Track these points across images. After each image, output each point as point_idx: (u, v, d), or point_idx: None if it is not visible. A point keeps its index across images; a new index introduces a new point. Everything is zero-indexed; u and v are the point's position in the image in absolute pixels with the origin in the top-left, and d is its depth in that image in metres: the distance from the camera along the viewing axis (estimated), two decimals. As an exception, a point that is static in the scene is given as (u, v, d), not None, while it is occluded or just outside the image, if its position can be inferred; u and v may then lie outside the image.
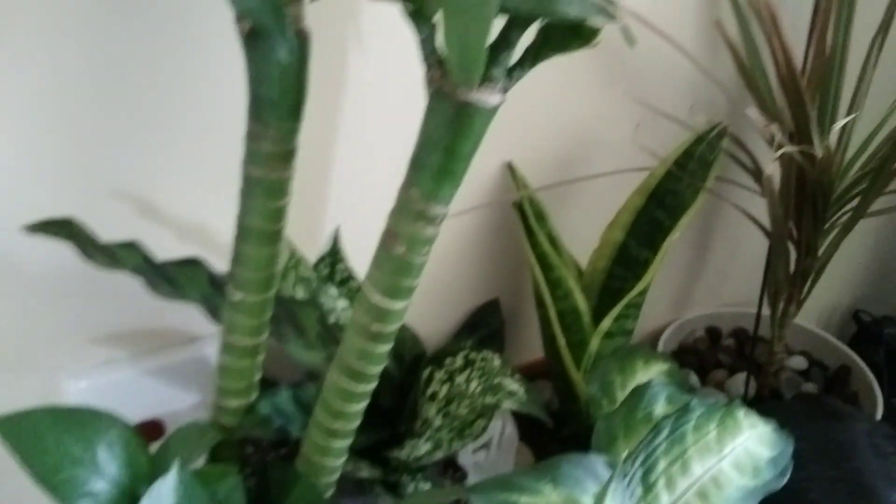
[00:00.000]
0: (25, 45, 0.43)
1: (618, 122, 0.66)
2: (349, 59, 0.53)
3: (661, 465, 0.45)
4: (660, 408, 0.48)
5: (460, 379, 0.56)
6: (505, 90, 0.35)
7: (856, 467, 0.56)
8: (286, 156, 0.38)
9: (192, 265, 0.47)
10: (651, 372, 0.55)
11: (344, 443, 0.43)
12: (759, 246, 0.72)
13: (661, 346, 0.81)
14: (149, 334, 0.56)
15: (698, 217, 0.80)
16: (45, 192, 0.47)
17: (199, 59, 0.48)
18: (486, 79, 0.33)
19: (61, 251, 0.45)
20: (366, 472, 0.52)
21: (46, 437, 0.41)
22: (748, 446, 0.47)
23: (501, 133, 0.63)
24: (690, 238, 0.83)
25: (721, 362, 0.84)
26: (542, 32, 0.34)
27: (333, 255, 0.60)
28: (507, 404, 0.51)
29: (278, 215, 0.40)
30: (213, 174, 0.52)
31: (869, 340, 1.02)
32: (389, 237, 0.37)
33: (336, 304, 0.60)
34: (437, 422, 0.56)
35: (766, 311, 0.75)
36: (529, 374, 0.76)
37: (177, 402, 0.58)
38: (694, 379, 0.80)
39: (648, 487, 0.44)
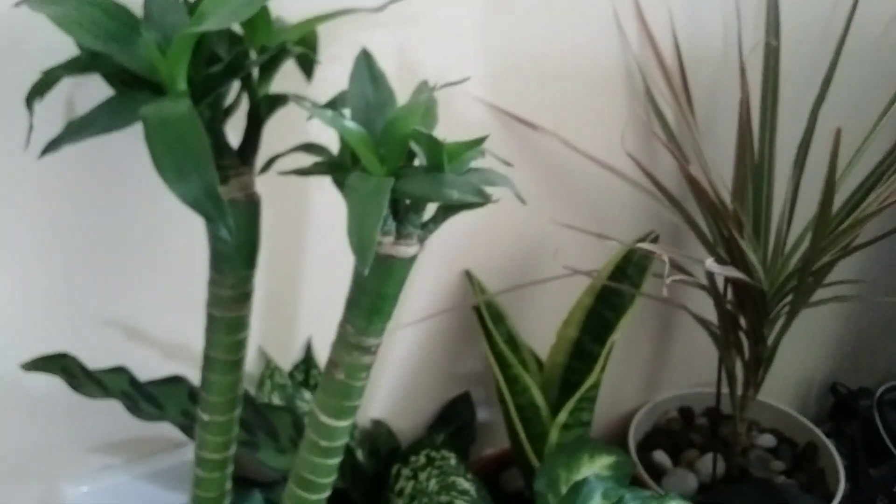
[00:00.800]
0: (25, 200, 0.51)
1: (565, 232, 0.72)
2: (313, 197, 0.61)
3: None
4: (595, 503, 0.53)
5: (423, 476, 0.61)
6: (421, 241, 0.41)
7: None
8: (243, 298, 0.45)
9: (173, 382, 0.54)
10: (596, 466, 0.59)
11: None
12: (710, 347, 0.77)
13: (633, 429, 0.85)
14: (141, 441, 0.62)
15: (660, 304, 0.85)
16: (40, 322, 0.54)
17: (175, 206, 0.55)
18: (402, 235, 0.40)
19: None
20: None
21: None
22: (677, 539, 0.51)
23: (461, 243, 0.70)
24: (655, 320, 0.88)
25: (693, 442, 0.87)
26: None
27: (307, 363, 0.66)
28: (459, 502, 0.55)
29: (238, 347, 0.46)
30: (191, 299, 0.59)
31: (845, 413, 1.05)
32: (331, 365, 0.43)
33: (312, 407, 0.65)
34: (401, 517, 0.60)
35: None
36: (504, 462, 0.81)
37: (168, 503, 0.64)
38: (665, 460, 0.84)
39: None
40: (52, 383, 0.57)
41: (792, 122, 0.72)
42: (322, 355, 0.66)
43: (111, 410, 0.60)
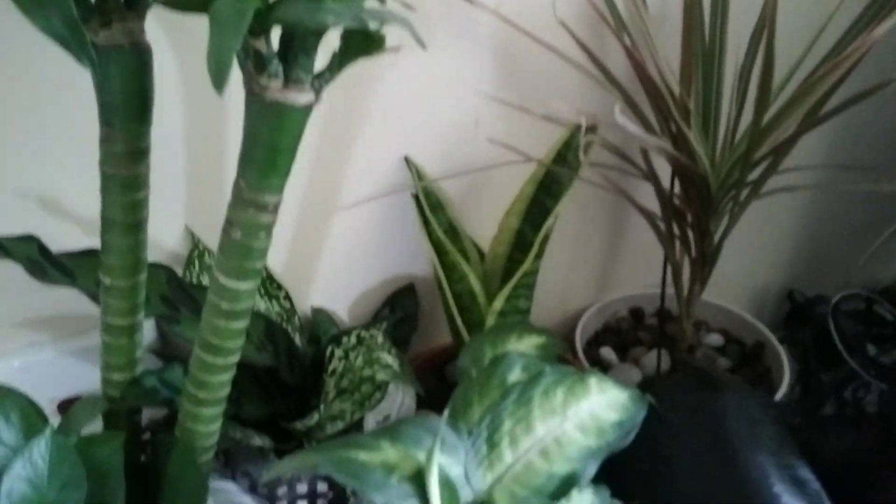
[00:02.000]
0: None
1: (510, 118, 0.69)
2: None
3: (507, 425, 0.49)
4: (515, 375, 0.52)
5: (352, 355, 0.61)
6: (317, 91, 0.39)
7: (725, 436, 0.60)
8: (137, 155, 0.43)
9: (89, 255, 0.53)
10: (524, 345, 0.59)
11: (213, 410, 0.48)
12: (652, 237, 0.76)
13: (581, 327, 0.85)
14: (67, 319, 0.61)
15: (609, 199, 0.84)
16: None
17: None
18: (291, 80, 0.38)
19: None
20: (257, 440, 0.57)
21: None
22: (594, 410, 0.51)
23: (400, 128, 0.68)
24: (605, 219, 0.87)
25: (641, 340, 0.88)
26: (343, 40, 0.38)
27: (239, 245, 0.64)
28: (381, 376, 0.55)
29: (137, 207, 0.44)
30: None
31: (800, 320, 1.05)
32: (228, 224, 0.42)
33: (243, 290, 0.64)
34: (332, 395, 0.60)
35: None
36: (449, 355, 0.81)
37: (96, 381, 0.64)
38: (611, 356, 0.84)
39: (493, 446, 0.48)
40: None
41: (746, 13, 0.69)
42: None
43: (34, 288, 0.59)
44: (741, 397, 0.62)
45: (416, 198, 0.67)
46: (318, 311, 0.72)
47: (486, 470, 0.48)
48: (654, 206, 0.74)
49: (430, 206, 0.67)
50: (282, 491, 0.60)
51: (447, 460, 0.47)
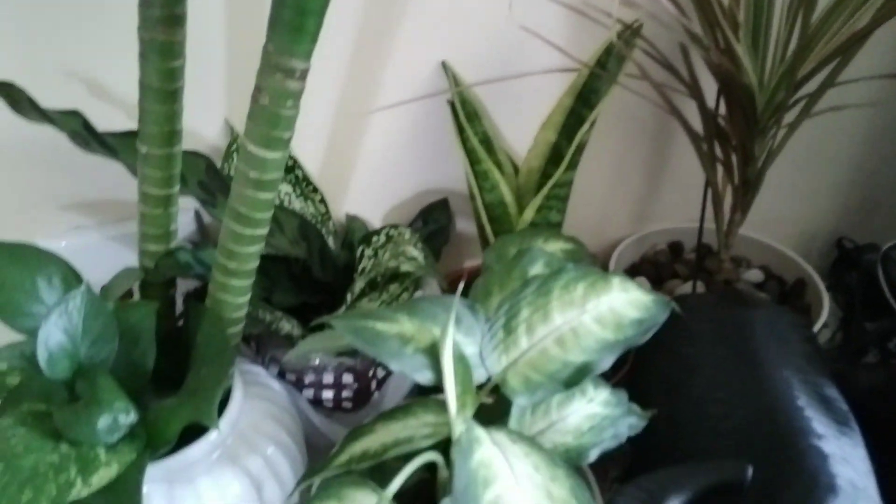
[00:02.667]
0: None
1: (551, 24, 0.68)
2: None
3: (524, 313, 0.49)
4: (536, 269, 0.53)
5: (381, 253, 0.62)
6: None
7: (751, 348, 0.59)
8: (174, 19, 0.44)
9: (131, 135, 0.54)
10: (550, 248, 0.58)
11: (241, 282, 0.50)
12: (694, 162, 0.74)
13: (616, 255, 0.84)
14: (111, 204, 0.64)
15: (650, 121, 0.82)
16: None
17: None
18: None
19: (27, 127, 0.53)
20: (286, 325, 0.59)
21: (-6, 265, 0.49)
22: (614, 305, 0.51)
23: (438, 32, 0.68)
24: (646, 143, 0.85)
25: (678, 273, 0.86)
26: None
27: (276, 144, 0.66)
28: (406, 267, 0.56)
29: (173, 75, 0.46)
30: None
31: (847, 267, 1.02)
32: (256, 91, 0.43)
33: (280, 187, 0.66)
34: (360, 291, 0.62)
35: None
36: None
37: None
38: (645, 285, 0.83)
39: (509, 332, 0.49)
40: (27, 140, 0.58)
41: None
42: (302, 135, 0.66)
43: (81, 172, 0.62)
44: (771, 313, 0.61)
45: (452, 105, 0.67)
46: (352, 219, 0.73)
47: (500, 354, 0.48)
48: (697, 127, 0.72)
49: (465, 114, 0.67)
50: (309, 379, 0.62)
51: (463, 339, 0.47)
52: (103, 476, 0.40)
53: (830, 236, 1.04)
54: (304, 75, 0.42)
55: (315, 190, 0.68)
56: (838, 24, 0.60)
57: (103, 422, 0.42)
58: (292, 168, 0.67)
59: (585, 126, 0.64)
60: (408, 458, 0.43)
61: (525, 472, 0.38)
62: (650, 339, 0.66)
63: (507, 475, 0.38)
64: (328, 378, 0.62)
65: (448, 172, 0.76)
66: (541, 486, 0.38)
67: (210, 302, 0.50)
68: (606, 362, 0.49)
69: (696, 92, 0.68)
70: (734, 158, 0.73)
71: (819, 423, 0.53)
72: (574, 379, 0.47)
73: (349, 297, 0.62)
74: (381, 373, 0.65)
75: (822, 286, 0.81)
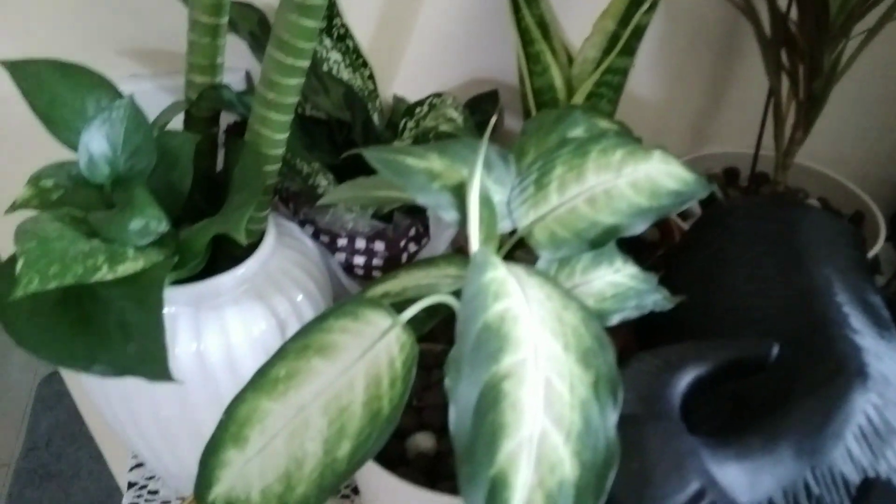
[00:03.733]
0: None
1: None
2: None
3: (558, 171, 0.48)
4: (576, 133, 0.51)
5: (426, 122, 0.61)
6: None
7: (793, 245, 0.56)
8: None
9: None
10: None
11: (281, 116, 0.50)
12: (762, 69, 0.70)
13: (666, 171, 0.81)
14: (165, 56, 0.65)
15: (719, 34, 0.79)
16: None
17: None
18: None
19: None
20: (323, 180, 0.59)
21: (45, 81, 0.51)
22: (651, 174, 0.50)
23: None
24: (711, 59, 0.82)
25: (729, 197, 0.83)
26: None
27: (330, 9, 0.66)
28: (444, 127, 0.55)
29: None
30: None
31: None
32: None
33: (330, 55, 0.66)
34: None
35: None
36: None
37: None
38: (695, 206, 0.81)
39: (540, 187, 0.48)
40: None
41: None
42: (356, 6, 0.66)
43: (141, 13, 0.63)
44: (820, 216, 0.58)
45: (509, -16, 0.66)
46: (399, 100, 0.73)
47: (529, 208, 0.47)
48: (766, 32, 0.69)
49: (521, -7, 0.65)
50: (341, 242, 0.63)
51: (492, 186, 0.47)
52: (129, 268, 0.41)
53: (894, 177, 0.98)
54: None
55: (365, 64, 0.68)
56: None
57: (135, 224, 0.44)
58: (343, 37, 0.67)
59: (646, 5, 0.61)
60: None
61: (537, 297, 0.38)
62: (688, 236, 0.64)
63: (518, 295, 0.37)
64: (360, 243, 0.63)
65: (500, 64, 0.75)
66: (551, 311, 0.37)
67: (249, 136, 0.51)
68: (637, 228, 0.47)
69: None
70: (801, 70, 0.70)
71: (856, 320, 0.51)
72: (601, 240, 0.47)
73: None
74: (412, 247, 0.65)
75: (881, 219, 0.77)
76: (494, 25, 0.71)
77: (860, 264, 0.56)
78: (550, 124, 0.52)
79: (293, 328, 0.55)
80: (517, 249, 0.48)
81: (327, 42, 0.66)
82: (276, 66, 0.48)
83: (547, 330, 0.36)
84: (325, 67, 0.66)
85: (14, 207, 0.49)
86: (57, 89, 0.51)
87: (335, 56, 0.66)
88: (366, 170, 0.64)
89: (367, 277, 0.66)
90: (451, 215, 0.45)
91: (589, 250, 0.46)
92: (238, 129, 0.60)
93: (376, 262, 0.64)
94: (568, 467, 0.32)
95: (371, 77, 0.69)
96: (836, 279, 0.53)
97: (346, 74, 0.68)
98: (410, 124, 0.64)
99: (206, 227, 0.45)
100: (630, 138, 0.51)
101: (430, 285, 0.49)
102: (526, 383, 0.33)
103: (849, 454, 0.43)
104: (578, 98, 0.64)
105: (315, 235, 0.63)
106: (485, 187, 0.45)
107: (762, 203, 0.60)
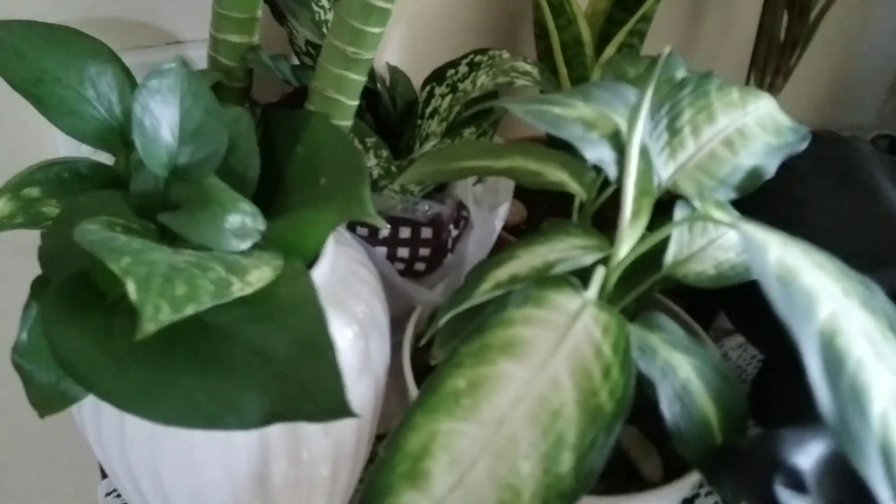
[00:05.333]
0: None
1: None
2: None
3: (687, 114, 0.43)
4: (680, 73, 0.47)
5: (465, 85, 0.54)
6: None
7: (862, 176, 0.56)
8: None
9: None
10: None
11: (360, 77, 0.40)
12: (749, 18, 0.70)
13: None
14: (129, 27, 0.51)
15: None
16: None
17: None
18: None
19: None
20: (373, 158, 0.49)
21: (24, 53, 0.37)
22: (769, 110, 0.46)
23: None
24: (678, 8, 0.81)
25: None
26: None
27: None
28: (521, 82, 0.48)
29: None
30: None
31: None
32: None
33: (327, 16, 0.56)
34: (443, 128, 0.53)
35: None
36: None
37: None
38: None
39: (674, 133, 0.43)
40: None
41: None
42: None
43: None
44: (868, 149, 0.59)
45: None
46: (394, 69, 0.64)
47: (668, 158, 0.42)
48: None
49: (536, -62, 0.59)
50: (384, 233, 0.53)
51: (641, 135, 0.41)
52: (260, 277, 0.30)
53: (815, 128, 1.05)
54: None
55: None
56: None
57: (232, 221, 0.32)
58: (339, -3, 0.57)
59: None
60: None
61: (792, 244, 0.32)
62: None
63: (783, 246, 0.32)
64: (405, 233, 0.54)
65: (495, 32, 0.68)
66: (814, 259, 0.32)
67: (316, 104, 0.41)
68: (772, 167, 0.44)
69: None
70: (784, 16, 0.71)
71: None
72: (747, 184, 0.42)
73: (417, 142, 0.54)
74: (454, 231, 0.57)
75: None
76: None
77: (915, 189, 0.57)
78: (651, 65, 0.46)
79: (374, 339, 0.45)
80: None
81: (324, 2, 0.55)
82: (364, 8, 0.38)
83: (830, 279, 0.31)
84: (324, 29, 0.55)
85: None
86: (44, 62, 0.37)
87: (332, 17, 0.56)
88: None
89: (407, 272, 0.56)
90: (610, 170, 0.38)
91: (737, 196, 0.42)
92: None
93: (422, 252, 0.55)
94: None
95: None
96: (915, 205, 0.54)
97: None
98: (440, 90, 0.55)
99: (318, 219, 0.35)
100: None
101: (562, 259, 0.41)
102: (853, 337, 0.28)
103: None
104: (610, 50, 0.60)
105: (350, 228, 0.53)
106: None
107: (817, 142, 0.60)
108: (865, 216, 0.53)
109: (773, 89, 0.76)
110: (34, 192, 0.37)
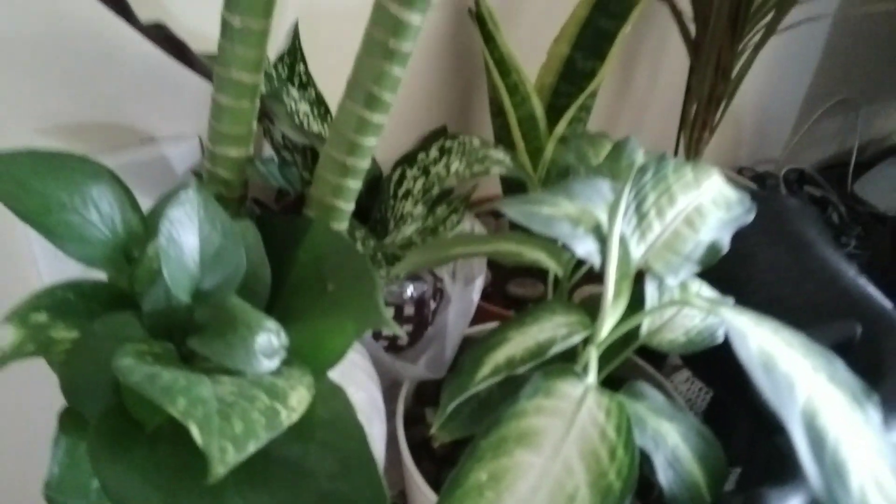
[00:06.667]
0: None
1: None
2: None
3: (651, 198, 0.48)
4: (640, 158, 0.51)
5: (437, 169, 0.57)
6: None
7: (793, 230, 0.63)
8: None
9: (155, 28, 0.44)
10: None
11: (357, 183, 0.43)
12: (677, 80, 0.77)
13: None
14: (103, 130, 0.52)
15: (622, 54, 0.84)
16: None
17: None
18: None
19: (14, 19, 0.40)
20: (359, 244, 0.51)
21: (30, 181, 0.38)
22: (719, 186, 0.51)
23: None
24: (615, 76, 0.87)
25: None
26: None
27: (293, 55, 0.58)
28: (496, 170, 0.52)
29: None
30: None
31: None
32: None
33: (299, 106, 0.58)
34: (419, 210, 0.56)
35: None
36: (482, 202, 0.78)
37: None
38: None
39: (642, 216, 0.47)
40: (4, 34, 0.45)
41: None
42: (309, 46, 0.58)
43: (70, 85, 0.49)
44: (793, 203, 0.65)
45: (478, 13, 0.63)
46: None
47: (638, 240, 0.46)
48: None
49: (492, 22, 0.63)
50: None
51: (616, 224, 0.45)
52: (300, 399, 0.32)
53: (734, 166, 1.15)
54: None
55: (328, 111, 0.61)
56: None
57: (262, 341, 0.34)
58: (306, 85, 0.59)
59: (627, 27, 0.63)
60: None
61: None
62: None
63: (763, 333, 0.36)
64: (388, 312, 0.56)
65: (450, 109, 0.72)
66: (790, 339, 0.37)
67: (316, 211, 0.43)
68: (727, 239, 0.49)
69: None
70: (707, 79, 0.78)
71: (870, 289, 0.58)
72: (707, 258, 0.47)
73: (391, 222, 0.56)
74: (433, 305, 0.60)
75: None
76: (446, 74, 0.68)
77: (830, 236, 0.64)
78: (614, 152, 0.51)
79: (377, 423, 0.47)
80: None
81: (294, 93, 0.57)
82: (360, 125, 0.40)
83: (800, 357, 0.35)
84: (296, 120, 0.57)
85: (3, 360, 0.36)
86: (49, 189, 0.38)
87: (304, 108, 0.58)
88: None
89: (391, 347, 0.59)
90: (595, 259, 0.42)
91: (700, 269, 0.46)
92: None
93: (406, 328, 0.58)
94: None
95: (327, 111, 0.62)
96: (842, 259, 0.60)
97: (315, 126, 0.60)
98: (412, 172, 0.58)
99: (338, 328, 0.37)
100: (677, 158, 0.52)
101: (551, 339, 0.45)
102: (829, 416, 0.32)
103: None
104: (562, 125, 0.64)
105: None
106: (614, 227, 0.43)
107: (753, 200, 0.66)
108: (802, 269, 0.59)
109: (700, 142, 0.82)
110: (41, 317, 0.38)
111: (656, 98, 0.91)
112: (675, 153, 0.83)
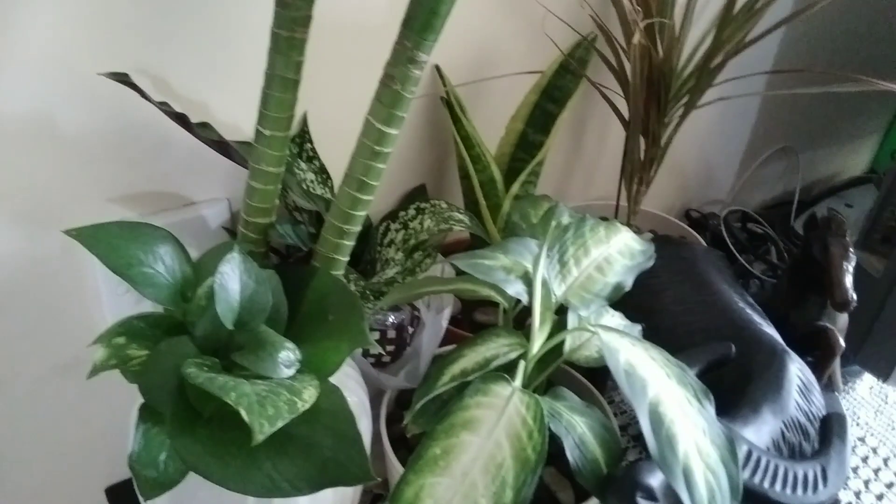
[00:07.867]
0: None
1: (518, 36, 0.84)
2: None
3: (571, 250, 0.64)
4: (565, 219, 0.67)
5: (414, 224, 0.73)
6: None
7: (697, 272, 0.79)
8: (305, 20, 0.53)
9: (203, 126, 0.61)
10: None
11: (350, 242, 0.58)
12: (619, 145, 0.93)
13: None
14: (155, 197, 0.68)
15: (572, 121, 1.01)
16: (81, 62, 0.58)
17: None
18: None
19: (94, 117, 0.56)
20: (352, 284, 0.67)
21: (117, 245, 0.53)
22: (626, 241, 0.67)
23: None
24: (564, 141, 1.04)
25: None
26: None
27: (302, 136, 0.74)
28: (458, 227, 0.68)
29: (297, 68, 0.54)
30: (228, 71, 0.65)
31: (700, 229, 1.30)
32: (387, 79, 0.53)
33: (306, 175, 0.74)
34: (400, 256, 0.72)
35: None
36: (467, 247, 0.94)
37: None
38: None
39: (563, 264, 0.63)
40: (87, 126, 0.61)
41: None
42: (316, 129, 0.74)
43: (129, 162, 0.66)
44: (701, 249, 0.82)
45: (447, 101, 0.80)
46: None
47: (560, 282, 0.62)
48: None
49: (459, 106, 0.80)
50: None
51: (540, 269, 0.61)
52: (310, 395, 0.47)
53: (681, 210, 1.31)
54: (423, 66, 0.54)
55: (329, 177, 0.77)
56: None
57: (283, 356, 0.50)
58: (312, 158, 0.75)
59: (565, 112, 0.80)
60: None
61: (636, 348, 0.52)
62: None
63: (631, 347, 0.52)
64: (375, 336, 0.72)
65: (425, 171, 0.88)
66: (650, 355, 0.52)
67: (320, 262, 0.59)
68: (630, 281, 0.65)
69: (625, 86, 0.87)
70: (642, 144, 0.94)
71: (755, 316, 0.74)
72: (613, 295, 0.63)
73: (378, 264, 0.72)
74: (410, 329, 0.75)
75: (700, 239, 1.06)
76: (417, 134, 0.85)
77: (733, 277, 0.80)
78: (545, 215, 0.67)
79: (364, 419, 0.62)
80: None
81: (302, 165, 0.74)
82: (353, 202, 0.56)
83: (658, 367, 0.51)
84: (304, 186, 0.73)
85: (95, 371, 0.51)
86: (132, 251, 0.53)
87: (310, 176, 0.74)
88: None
89: (377, 363, 0.74)
90: (525, 298, 0.58)
91: (606, 304, 0.62)
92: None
93: (389, 348, 0.73)
94: (713, 458, 0.47)
95: (332, 189, 0.78)
96: (732, 291, 0.76)
97: (318, 189, 0.76)
98: (395, 226, 0.74)
99: (334, 348, 0.53)
100: (596, 219, 0.68)
101: (495, 355, 0.60)
102: (669, 406, 0.48)
103: (797, 406, 0.64)
104: (516, 186, 0.81)
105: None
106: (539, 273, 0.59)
107: (662, 245, 0.82)
108: (702, 302, 0.75)
109: (639, 194, 0.99)
110: (121, 340, 0.53)
111: (602, 159, 1.08)
112: (617, 204, 0.99)
